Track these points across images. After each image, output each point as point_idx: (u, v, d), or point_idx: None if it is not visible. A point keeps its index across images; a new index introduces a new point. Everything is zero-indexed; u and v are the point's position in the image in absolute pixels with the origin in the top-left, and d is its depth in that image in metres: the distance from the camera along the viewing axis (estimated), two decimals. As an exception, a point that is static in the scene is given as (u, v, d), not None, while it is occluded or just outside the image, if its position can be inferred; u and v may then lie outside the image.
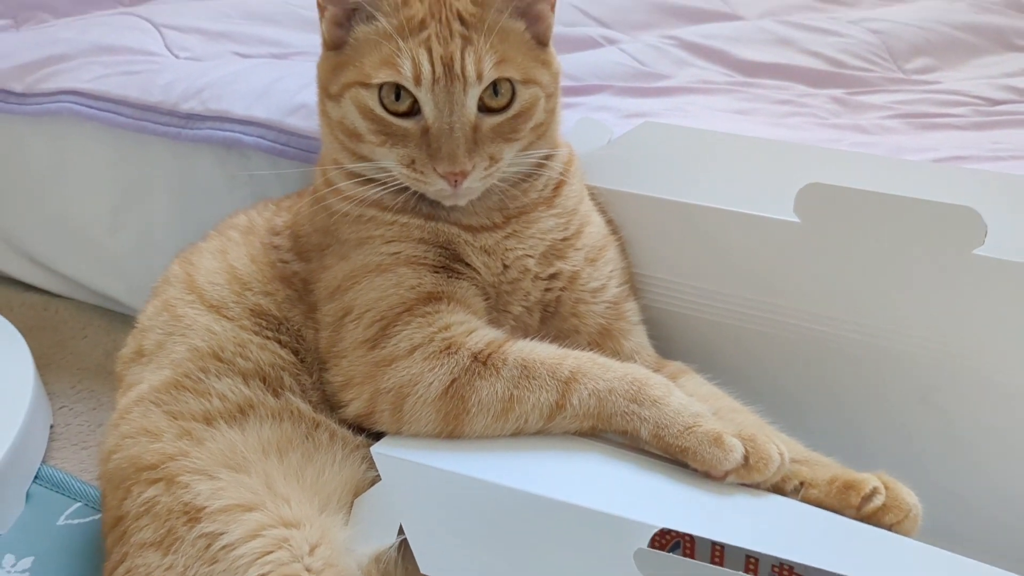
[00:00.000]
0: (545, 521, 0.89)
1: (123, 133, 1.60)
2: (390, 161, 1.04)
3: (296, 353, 1.11)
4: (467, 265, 1.08)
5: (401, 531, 0.94)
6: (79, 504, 1.37)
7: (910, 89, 1.67)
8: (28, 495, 1.38)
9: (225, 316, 1.13)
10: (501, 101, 1.03)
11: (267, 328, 1.12)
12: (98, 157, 1.66)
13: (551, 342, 1.10)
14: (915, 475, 1.02)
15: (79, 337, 1.76)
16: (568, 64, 1.64)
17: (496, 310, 1.11)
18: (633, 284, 1.23)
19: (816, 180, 1.10)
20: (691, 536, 0.97)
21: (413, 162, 1.02)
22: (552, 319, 1.14)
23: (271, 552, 0.91)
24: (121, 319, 1.77)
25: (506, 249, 1.09)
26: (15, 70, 1.70)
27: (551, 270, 1.12)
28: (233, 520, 0.93)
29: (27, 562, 1.27)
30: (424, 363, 0.99)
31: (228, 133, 1.52)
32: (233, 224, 1.26)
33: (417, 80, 1.00)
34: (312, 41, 1.79)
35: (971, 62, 1.85)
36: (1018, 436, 1.08)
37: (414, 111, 1.02)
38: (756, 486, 0.93)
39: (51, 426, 1.53)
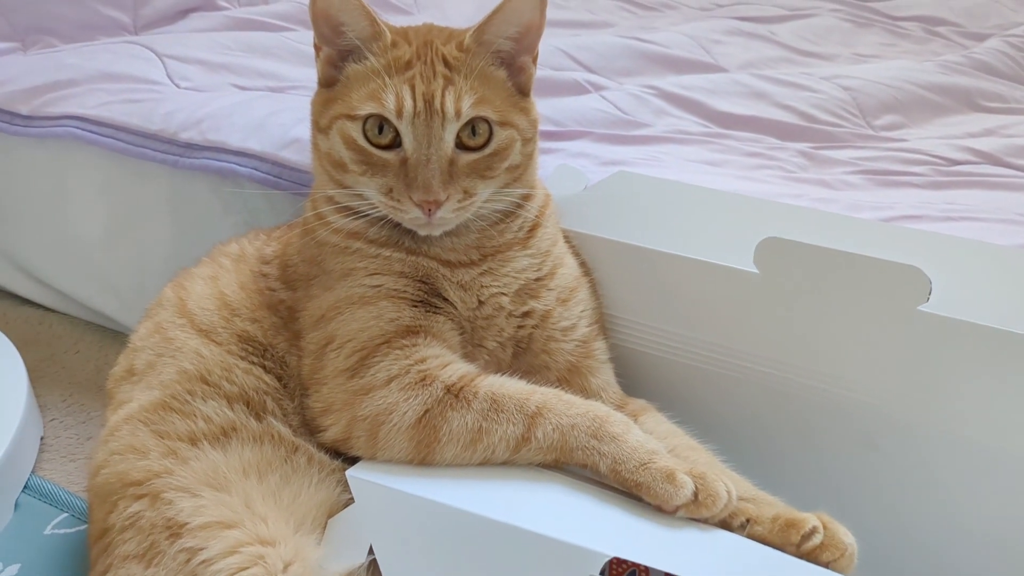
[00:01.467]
0: (506, 547, 0.95)
1: (123, 158, 1.66)
2: (370, 190, 1.10)
3: (279, 379, 1.16)
4: (444, 300, 1.13)
5: (371, 551, 0.99)
6: (66, 515, 1.41)
7: (876, 146, 1.74)
8: (16, 504, 1.42)
9: (213, 341, 1.18)
10: (478, 140, 1.10)
11: (253, 354, 1.17)
12: (97, 179, 1.72)
13: (522, 377, 1.16)
14: (860, 514, 1.09)
15: (71, 352, 1.81)
16: (551, 109, 1.71)
17: (471, 344, 1.16)
18: (603, 324, 1.28)
19: (775, 234, 1.16)
20: (645, 567, 1.03)
21: (391, 190, 1.09)
22: (524, 355, 1.20)
23: (247, 568, 0.96)
24: (112, 335, 1.83)
25: (481, 286, 1.15)
26: (22, 93, 1.76)
27: (524, 308, 1.17)
28: (213, 536, 0.98)
29: (14, 569, 1.31)
30: (400, 393, 1.05)
31: (224, 163, 1.58)
32: (225, 252, 1.31)
33: (399, 113, 1.07)
34: (308, 75, 1.85)
35: (937, 120, 1.92)
36: (952, 482, 1.14)
37: (395, 144, 1.09)
38: (705, 521, 0.98)
39: (41, 438, 1.57)
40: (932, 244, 1.23)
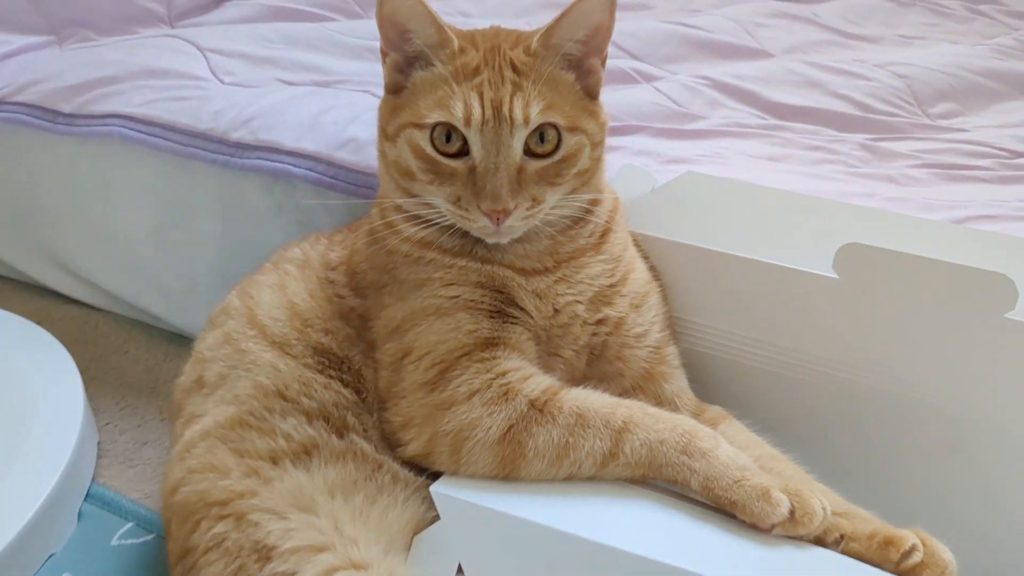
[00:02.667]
0: (598, 566, 0.96)
1: (171, 157, 1.66)
2: (438, 199, 1.11)
3: (358, 392, 1.16)
4: (520, 308, 1.14)
5: (460, 570, 1.00)
6: (131, 524, 1.42)
7: (935, 137, 1.74)
8: (80, 514, 1.43)
9: (289, 354, 1.18)
10: (547, 147, 1.10)
11: (330, 367, 1.17)
12: (144, 178, 1.72)
13: (595, 384, 1.17)
14: (945, 521, 1.09)
15: (120, 352, 1.82)
16: (607, 103, 1.70)
17: (547, 354, 1.17)
18: (673, 328, 1.29)
19: (850, 237, 1.16)
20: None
21: (459, 199, 1.09)
22: (598, 362, 1.20)
23: None
24: (160, 334, 1.84)
25: (557, 294, 1.15)
26: (63, 91, 1.75)
27: (599, 315, 1.18)
28: (305, 560, 0.99)
29: (82, 581, 1.33)
30: (483, 408, 1.05)
31: (277, 164, 1.57)
32: (288, 258, 1.31)
33: (467, 121, 1.07)
34: (354, 68, 1.86)
35: (993, 108, 1.92)
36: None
37: (463, 152, 1.09)
38: (800, 538, 0.99)
39: (98, 443, 1.58)
40: (1014, 248, 1.22)
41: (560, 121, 1.10)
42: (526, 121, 1.08)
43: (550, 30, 1.10)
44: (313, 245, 1.32)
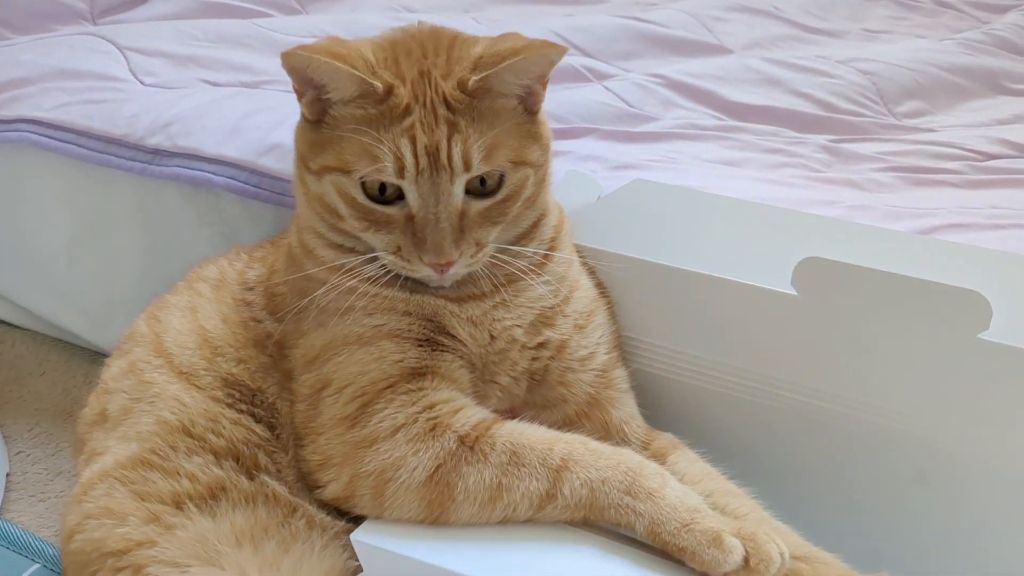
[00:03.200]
0: None
1: (84, 165, 1.55)
2: (375, 245, 1.01)
3: (272, 428, 1.07)
4: (452, 337, 1.05)
5: None
6: (38, 565, 1.29)
7: (902, 138, 1.67)
8: (-18, 554, 1.33)
9: (196, 385, 1.09)
10: (490, 186, 1.01)
11: (240, 400, 1.08)
12: (57, 187, 1.61)
13: (538, 412, 1.10)
14: (914, 558, 1.08)
15: (36, 373, 1.72)
16: (553, 104, 1.62)
17: (482, 381, 1.08)
18: (622, 349, 1.20)
19: (810, 250, 1.09)
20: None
21: (399, 249, 1.00)
22: (539, 388, 1.12)
23: None
24: (80, 354, 1.74)
25: (494, 319, 1.06)
26: (-31, 94, 1.65)
27: (539, 339, 1.09)
28: None
29: (-21, 628, 1.23)
30: (408, 446, 0.97)
31: (197, 172, 1.48)
32: (203, 276, 1.22)
33: (400, 174, 0.97)
34: (284, 68, 1.75)
35: (961, 106, 1.86)
36: (1005, 523, 1.09)
37: (399, 196, 0.99)
38: None
39: (7, 474, 1.48)
40: (987, 261, 1.15)
41: (504, 161, 1.00)
42: (467, 168, 0.98)
43: (488, 77, 0.99)
44: (232, 262, 1.23)
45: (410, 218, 0.99)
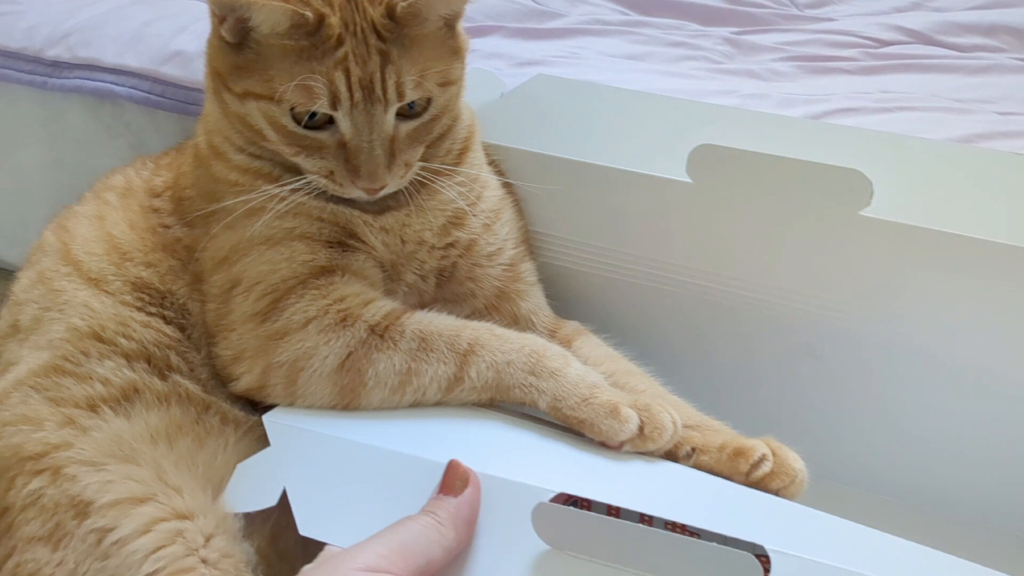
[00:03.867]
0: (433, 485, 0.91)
1: (-16, 79, 1.54)
2: (306, 169, 1.02)
3: (183, 329, 1.09)
4: (363, 242, 1.07)
5: (284, 497, 0.94)
6: None
7: (802, 28, 1.70)
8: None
9: (105, 291, 1.10)
10: (418, 108, 1.02)
11: (150, 303, 1.10)
12: (-42, 104, 1.60)
13: (446, 305, 1.13)
14: (803, 427, 1.09)
15: (-52, 295, 1.71)
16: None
17: (391, 280, 1.11)
18: (529, 244, 1.24)
19: (708, 139, 1.12)
20: (588, 501, 1.01)
21: (332, 173, 1.01)
22: (447, 284, 1.15)
23: (165, 546, 0.91)
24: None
25: (405, 226, 1.09)
26: None
27: (448, 239, 1.12)
28: (124, 514, 0.93)
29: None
30: (319, 336, 0.99)
31: (99, 83, 1.48)
32: (110, 186, 1.22)
33: (334, 106, 0.97)
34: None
35: (864, -8, 1.88)
36: (893, 387, 1.17)
37: (330, 120, 0.99)
38: (651, 453, 0.96)
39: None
40: (870, 142, 1.20)
41: (433, 86, 1.01)
42: (400, 97, 0.99)
43: (417, 3, 0.98)
44: (138, 171, 1.23)
45: (342, 144, 1.00)
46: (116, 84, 1.47)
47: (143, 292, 1.10)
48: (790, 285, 1.15)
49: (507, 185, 1.22)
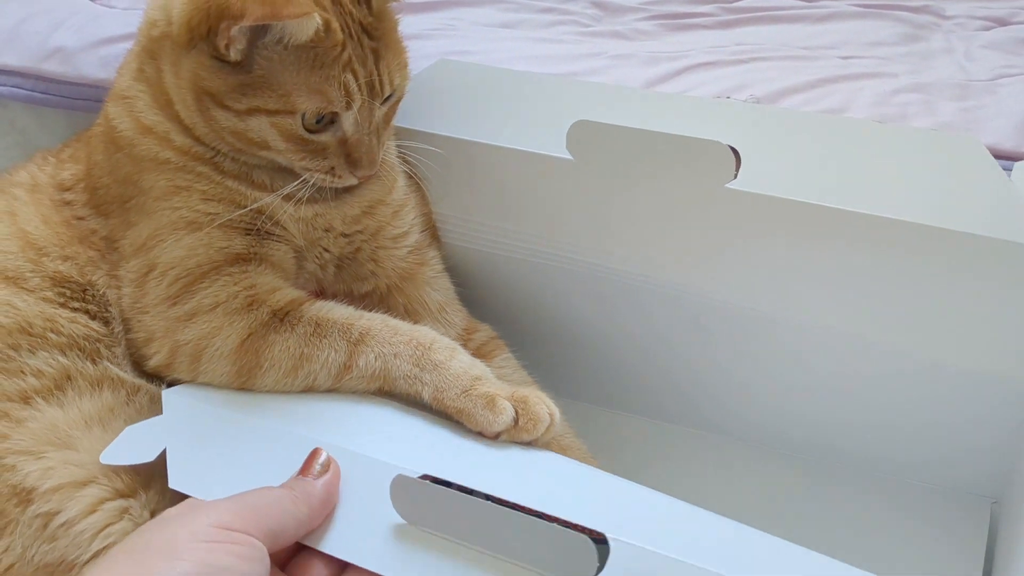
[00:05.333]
0: (295, 453, 0.97)
1: None
2: (307, 167, 1.07)
3: (106, 323, 1.12)
4: (283, 228, 1.12)
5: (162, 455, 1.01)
6: None
7: (662, -15, 1.78)
8: None
9: (25, 288, 1.11)
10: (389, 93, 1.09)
11: (72, 298, 1.12)
12: None
13: (348, 285, 1.20)
14: (700, 390, 1.25)
15: None
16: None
17: (298, 265, 1.16)
18: (435, 232, 1.31)
19: (585, 115, 1.18)
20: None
21: (332, 169, 1.07)
22: (349, 266, 1.21)
23: (113, 523, 0.97)
24: None
25: (318, 215, 1.14)
26: None
27: (356, 227, 1.18)
28: (68, 498, 0.98)
29: None
30: (224, 318, 1.05)
31: (-20, 83, 1.47)
32: (15, 182, 1.22)
33: (349, 106, 1.03)
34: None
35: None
36: (771, 350, 1.27)
37: (331, 123, 1.05)
38: (528, 444, 1.03)
39: None
40: (741, 114, 1.27)
41: (404, 71, 1.09)
42: (392, 88, 1.07)
43: None
44: (41, 166, 1.24)
45: (343, 141, 1.06)
46: (-2, 84, 1.47)
47: (63, 287, 1.12)
48: (666, 260, 1.23)
49: (411, 168, 1.26)
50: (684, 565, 0.85)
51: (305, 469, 0.95)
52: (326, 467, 0.96)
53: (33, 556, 0.98)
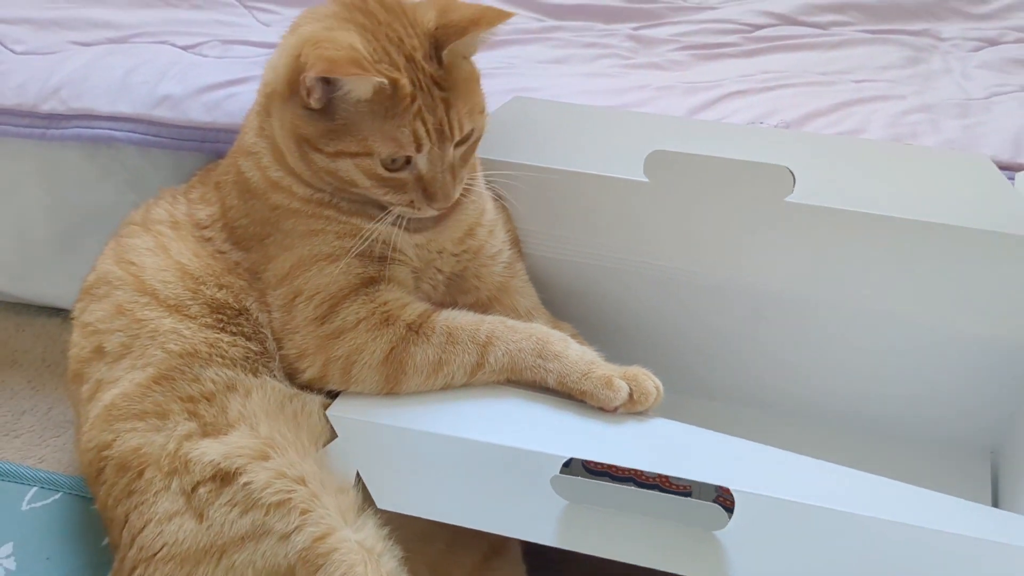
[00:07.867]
0: (474, 459, 1.15)
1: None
2: (390, 201, 1.21)
3: (262, 343, 1.27)
4: (403, 253, 1.28)
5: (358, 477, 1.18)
6: (35, 488, 1.53)
7: (689, 19, 1.96)
8: (-22, 490, 1.51)
9: (187, 315, 1.26)
10: (465, 134, 1.22)
11: (230, 322, 1.27)
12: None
13: (453, 298, 1.36)
14: (760, 368, 1.42)
15: (-32, 331, 1.84)
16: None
17: (418, 283, 1.32)
18: (519, 247, 1.48)
19: (657, 145, 1.37)
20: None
21: (411, 202, 1.21)
22: (456, 282, 1.38)
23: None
24: (5, 308, 1.89)
25: (431, 240, 1.30)
26: None
27: (463, 248, 1.35)
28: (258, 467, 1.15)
29: (8, 548, 1.43)
30: (367, 334, 1.21)
31: (98, 131, 1.63)
32: (156, 219, 1.37)
33: (418, 150, 1.17)
34: (145, 19, 1.89)
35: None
36: (821, 335, 1.47)
37: (407, 162, 1.19)
38: (640, 414, 1.21)
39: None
40: (789, 140, 1.48)
41: (476, 115, 1.21)
42: (461, 132, 1.20)
43: (455, 49, 1.17)
44: (173, 204, 1.39)
45: (419, 178, 1.20)
46: (114, 130, 1.62)
47: (221, 313, 1.27)
48: (732, 262, 1.44)
49: (497, 194, 1.44)
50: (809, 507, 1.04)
51: None
52: None
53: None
